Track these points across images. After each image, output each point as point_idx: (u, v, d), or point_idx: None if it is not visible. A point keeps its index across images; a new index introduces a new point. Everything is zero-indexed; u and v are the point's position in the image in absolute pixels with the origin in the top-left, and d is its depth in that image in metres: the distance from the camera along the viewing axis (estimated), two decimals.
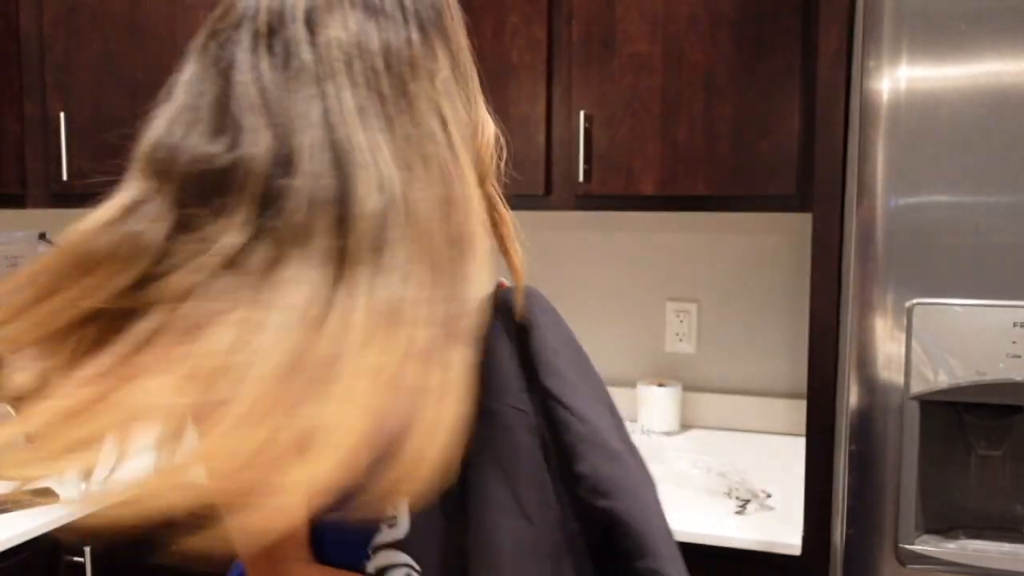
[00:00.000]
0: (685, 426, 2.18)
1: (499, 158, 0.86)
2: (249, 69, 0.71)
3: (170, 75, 0.76)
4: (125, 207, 0.70)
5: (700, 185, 1.82)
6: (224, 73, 0.72)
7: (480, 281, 0.68)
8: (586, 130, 1.86)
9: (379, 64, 0.73)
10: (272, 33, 0.72)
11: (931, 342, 1.30)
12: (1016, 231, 1.27)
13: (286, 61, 0.71)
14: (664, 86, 1.82)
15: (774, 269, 2.14)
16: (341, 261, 0.62)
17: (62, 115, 1.98)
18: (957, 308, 1.29)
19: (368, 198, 0.64)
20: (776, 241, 2.13)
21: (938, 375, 1.30)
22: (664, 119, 1.83)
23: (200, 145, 0.69)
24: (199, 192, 0.67)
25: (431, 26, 0.78)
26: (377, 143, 0.68)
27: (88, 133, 2.02)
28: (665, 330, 2.22)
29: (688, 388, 2.19)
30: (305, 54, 0.71)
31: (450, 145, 0.72)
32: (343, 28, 0.72)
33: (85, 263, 0.68)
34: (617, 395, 2.38)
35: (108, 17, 2.02)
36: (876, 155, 1.32)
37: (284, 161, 0.66)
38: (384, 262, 0.62)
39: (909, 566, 1.34)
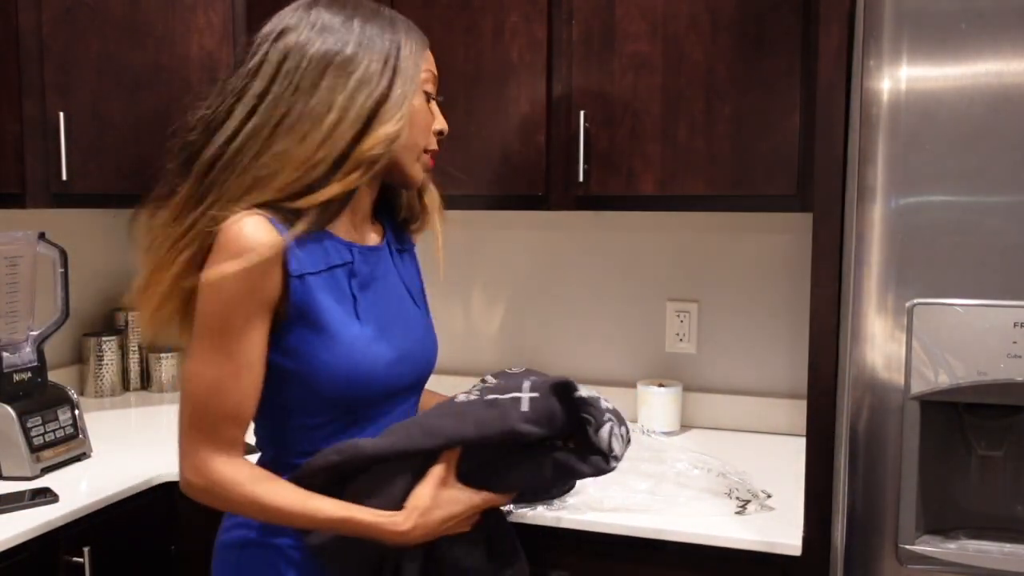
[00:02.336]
0: (685, 426, 2.17)
1: None
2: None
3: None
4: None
5: (700, 185, 1.82)
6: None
7: None
8: (586, 130, 1.86)
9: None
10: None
11: (931, 342, 1.30)
12: (1016, 231, 1.27)
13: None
14: (664, 86, 1.82)
15: (774, 269, 2.14)
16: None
17: (61, 115, 1.98)
18: (957, 308, 1.29)
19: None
20: (776, 241, 2.13)
21: (938, 375, 1.30)
22: (664, 119, 1.82)
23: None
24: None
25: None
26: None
27: (88, 133, 2.01)
28: (665, 330, 2.22)
29: (688, 388, 2.19)
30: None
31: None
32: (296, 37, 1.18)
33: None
34: (617, 395, 2.38)
35: (108, 17, 2.02)
36: (876, 155, 1.32)
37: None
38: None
39: (909, 566, 1.34)
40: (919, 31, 1.30)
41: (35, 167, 1.98)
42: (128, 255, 2.66)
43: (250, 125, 1.15)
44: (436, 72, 1.30)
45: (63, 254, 1.97)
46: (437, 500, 1.18)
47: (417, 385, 1.34)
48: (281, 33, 1.18)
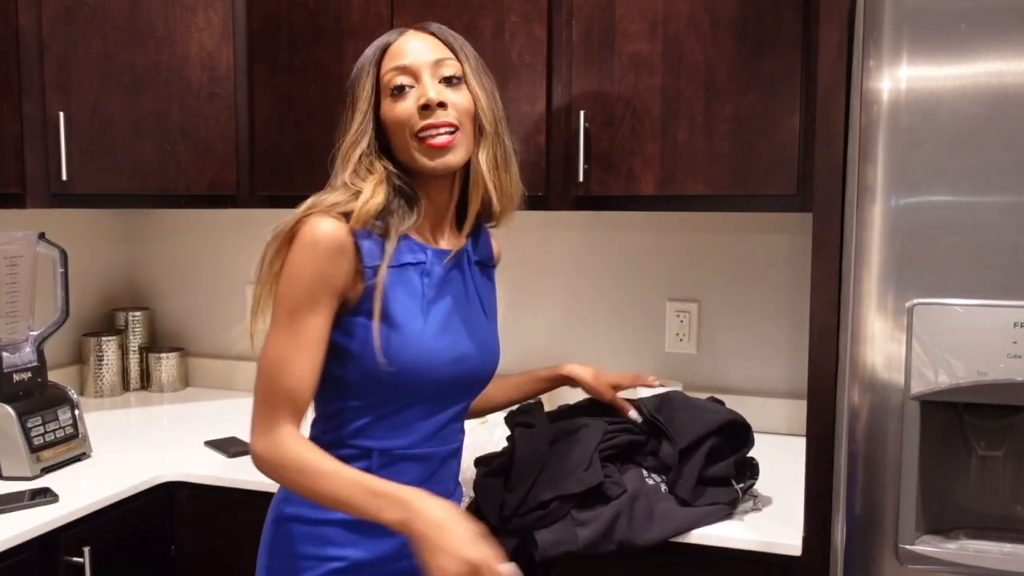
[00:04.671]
0: None
1: None
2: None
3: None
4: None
5: (700, 185, 1.82)
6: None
7: None
8: (586, 130, 1.86)
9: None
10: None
11: (931, 342, 1.30)
12: (1016, 231, 1.27)
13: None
14: (664, 86, 1.82)
15: (774, 269, 2.14)
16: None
17: (61, 115, 1.98)
18: (957, 308, 1.29)
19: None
20: (776, 241, 2.13)
21: (938, 375, 1.30)
22: (664, 119, 1.83)
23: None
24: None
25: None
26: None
27: (88, 133, 2.01)
28: (665, 330, 2.22)
29: (688, 388, 2.18)
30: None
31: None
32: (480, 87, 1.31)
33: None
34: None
35: (108, 17, 2.02)
36: (876, 155, 1.32)
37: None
38: None
39: (909, 566, 1.34)
40: (919, 31, 1.30)
41: (35, 167, 1.98)
42: (128, 255, 2.66)
43: None
44: (405, 61, 1.28)
45: (63, 254, 1.97)
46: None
47: (472, 389, 1.39)
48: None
